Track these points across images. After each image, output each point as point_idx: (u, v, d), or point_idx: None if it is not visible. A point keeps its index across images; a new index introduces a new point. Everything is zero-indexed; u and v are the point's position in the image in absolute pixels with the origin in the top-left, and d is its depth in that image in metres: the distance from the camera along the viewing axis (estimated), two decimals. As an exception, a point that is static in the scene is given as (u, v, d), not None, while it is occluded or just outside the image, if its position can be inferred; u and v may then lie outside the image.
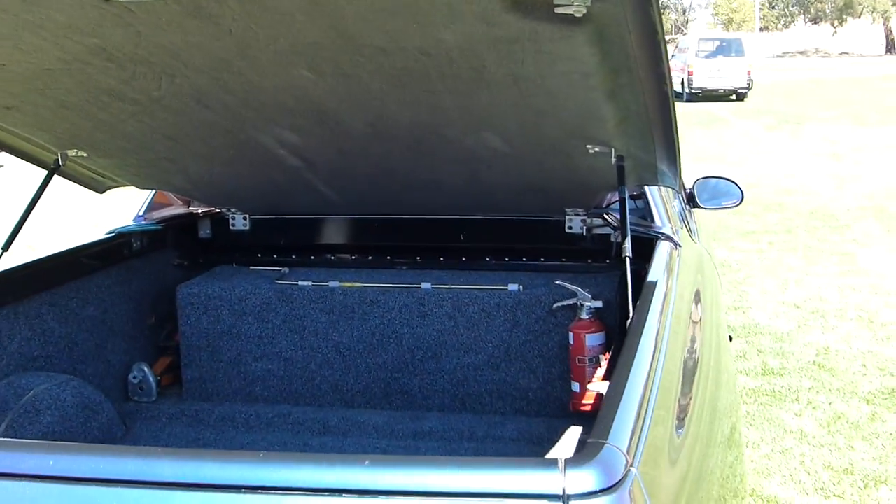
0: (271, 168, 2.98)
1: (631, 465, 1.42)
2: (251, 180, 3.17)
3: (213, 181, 3.22)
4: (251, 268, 3.64)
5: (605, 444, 1.43)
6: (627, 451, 1.45)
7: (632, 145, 2.51)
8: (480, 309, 3.23)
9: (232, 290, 3.40)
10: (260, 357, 3.40)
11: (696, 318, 2.61)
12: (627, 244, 2.44)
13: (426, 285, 3.29)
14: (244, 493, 1.38)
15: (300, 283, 3.39)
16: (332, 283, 3.35)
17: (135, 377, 3.39)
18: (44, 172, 2.94)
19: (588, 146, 2.53)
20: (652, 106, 2.21)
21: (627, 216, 2.52)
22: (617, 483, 1.36)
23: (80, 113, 2.55)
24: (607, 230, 3.31)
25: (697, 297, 2.82)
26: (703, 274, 3.21)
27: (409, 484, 1.34)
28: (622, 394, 1.66)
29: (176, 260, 3.70)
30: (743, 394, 5.21)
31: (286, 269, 3.56)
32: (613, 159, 2.56)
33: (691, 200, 4.42)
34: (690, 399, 2.09)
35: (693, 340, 2.41)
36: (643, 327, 2.03)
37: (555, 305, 3.13)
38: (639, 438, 1.53)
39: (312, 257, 3.64)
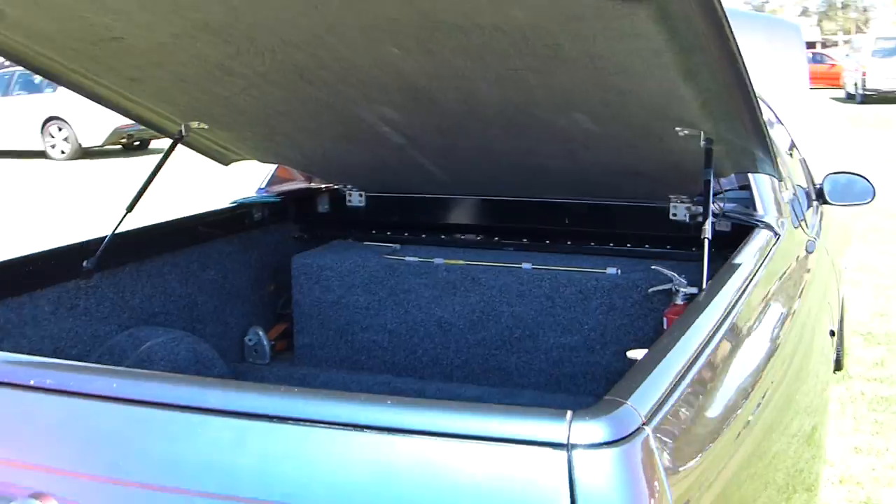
0: (378, 145, 3.11)
1: (645, 424, 1.45)
2: (361, 157, 3.31)
3: (326, 157, 3.38)
4: (365, 243, 3.79)
5: (619, 401, 1.47)
6: (644, 413, 1.47)
7: (721, 129, 2.50)
8: (578, 291, 3.27)
9: (343, 262, 3.56)
10: (366, 328, 3.55)
11: (782, 308, 2.58)
12: (708, 225, 2.44)
13: (527, 265, 3.35)
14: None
15: (407, 258, 3.51)
16: (437, 260, 3.46)
17: (250, 340, 3.59)
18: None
19: (677, 128, 2.54)
20: (731, 88, 2.20)
21: (710, 198, 2.51)
22: (625, 438, 1.40)
23: (196, 86, 2.74)
24: (713, 219, 3.29)
25: (790, 288, 2.77)
26: (809, 267, 3.14)
27: (417, 423, 1.42)
28: (658, 361, 1.69)
29: (296, 233, 3.89)
30: (874, 401, 5.02)
31: (398, 246, 3.69)
32: (702, 142, 2.55)
33: (820, 196, 4.31)
34: (754, 382, 2.08)
35: (770, 328, 2.38)
36: (706, 305, 2.04)
37: (650, 290, 3.14)
38: (662, 403, 1.55)
39: (423, 235, 3.76)
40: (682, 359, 1.73)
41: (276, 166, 3.92)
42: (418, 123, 2.87)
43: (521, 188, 3.42)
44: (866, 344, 5.92)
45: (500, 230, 3.65)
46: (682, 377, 1.68)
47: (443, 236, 3.76)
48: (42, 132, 18.27)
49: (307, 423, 1.49)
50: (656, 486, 1.44)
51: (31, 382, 1.64)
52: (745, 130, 2.49)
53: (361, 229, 3.86)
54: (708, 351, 1.84)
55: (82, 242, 2.93)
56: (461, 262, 3.44)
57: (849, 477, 4.18)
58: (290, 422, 1.49)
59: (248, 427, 1.52)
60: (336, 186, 3.83)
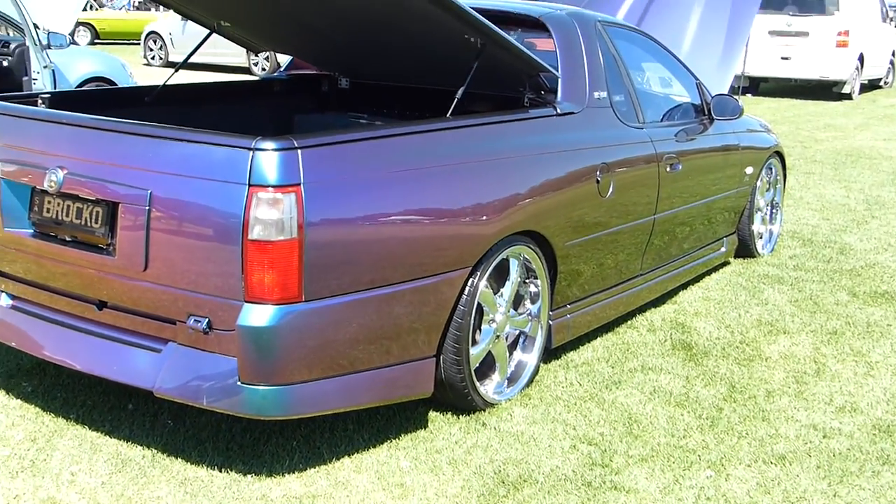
0: (324, 44, 4.89)
1: (298, 148, 3.25)
2: (326, 52, 5.13)
3: (307, 51, 5.24)
4: (347, 112, 5.59)
5: (288, 137, 3.27)
6: (299, 144, 3.24)
7: (487, 40, 4.16)
8: None
9: (323, 120, 5.38)
10: None
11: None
12: (459, 91, 4.11)
13: None
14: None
15: (360, 121, 5.34)
16: (377, 123, 5.29)
17: None
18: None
19: (466, 36, 4.21)
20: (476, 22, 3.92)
21: (469, 77, 4.12)
22: (281, 149, 3.21)
23: None
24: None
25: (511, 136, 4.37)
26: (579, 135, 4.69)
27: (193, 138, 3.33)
28: (345, 133, 3.49)
29: (309, 104, 5.73)
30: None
31: (365, 116, 5.49)
32: (479, 45, 4.21)
33: (709, 112, 5.83)
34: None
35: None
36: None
37: None
38: (316, 145, 3.32)
39: (384, 110, 5.51)
40: (354, 136, 3.51)
41: (292, 58, 5.80)
42: (329, 33, 4.67)
43: (415, 79, 5.12)
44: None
45: (410, 106, 5.33)
46: (342, 142, 3.45)
47: (390, 111, 5.50)
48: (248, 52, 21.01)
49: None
50: (294, 169, 3.21)
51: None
52: (500, 44, 4.14)
53: (348, 104, 5.66)
54: (374, 136, 3.58)
55: (147, 87, 4.94)
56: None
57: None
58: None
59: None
60: (331, 74, 5.67)
